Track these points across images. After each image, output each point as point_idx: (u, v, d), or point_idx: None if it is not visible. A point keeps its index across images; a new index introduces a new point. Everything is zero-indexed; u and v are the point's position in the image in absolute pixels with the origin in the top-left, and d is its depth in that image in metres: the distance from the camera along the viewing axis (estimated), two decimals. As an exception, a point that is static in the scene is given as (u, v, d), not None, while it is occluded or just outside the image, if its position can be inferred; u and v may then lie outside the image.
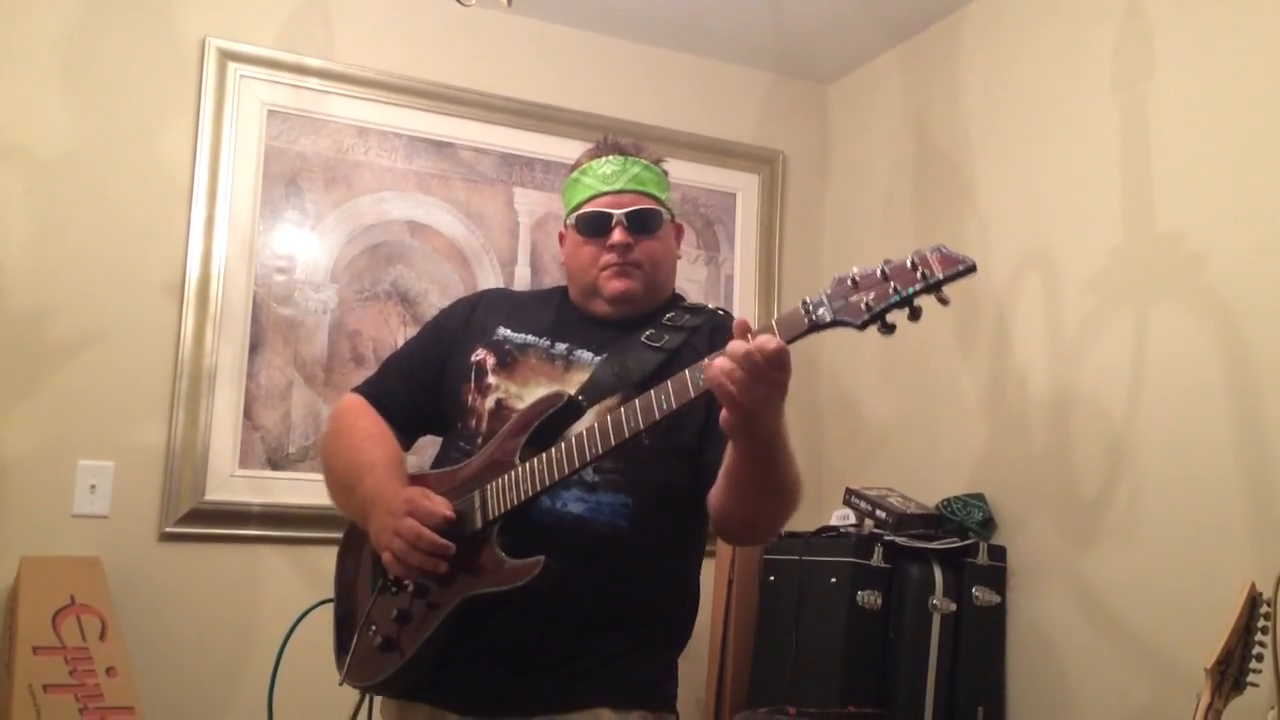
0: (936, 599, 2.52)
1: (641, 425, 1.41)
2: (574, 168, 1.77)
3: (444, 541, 1.50)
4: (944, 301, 1.25)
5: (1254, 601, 1.79)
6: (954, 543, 2.59)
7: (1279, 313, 2.14)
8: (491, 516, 1.52)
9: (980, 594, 2.57)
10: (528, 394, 1.63)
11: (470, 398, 1.69)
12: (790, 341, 1.30)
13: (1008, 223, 2.83)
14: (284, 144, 2.93)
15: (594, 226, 1.69)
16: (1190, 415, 2.28)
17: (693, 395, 1.37)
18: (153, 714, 2.38)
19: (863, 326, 1.27)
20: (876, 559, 2.54)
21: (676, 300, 1.77)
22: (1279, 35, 2.20)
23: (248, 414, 2.81)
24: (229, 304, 2.80)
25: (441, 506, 1.53)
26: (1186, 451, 2.28)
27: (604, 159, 1.71)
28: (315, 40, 2.98)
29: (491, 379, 1.68)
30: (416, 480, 1.65)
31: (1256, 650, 1.79)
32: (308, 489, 2.84)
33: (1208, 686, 1.78)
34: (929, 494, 2.80)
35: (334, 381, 2.90)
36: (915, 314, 1.26)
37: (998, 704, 2.59)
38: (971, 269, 1.24)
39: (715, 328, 1.68)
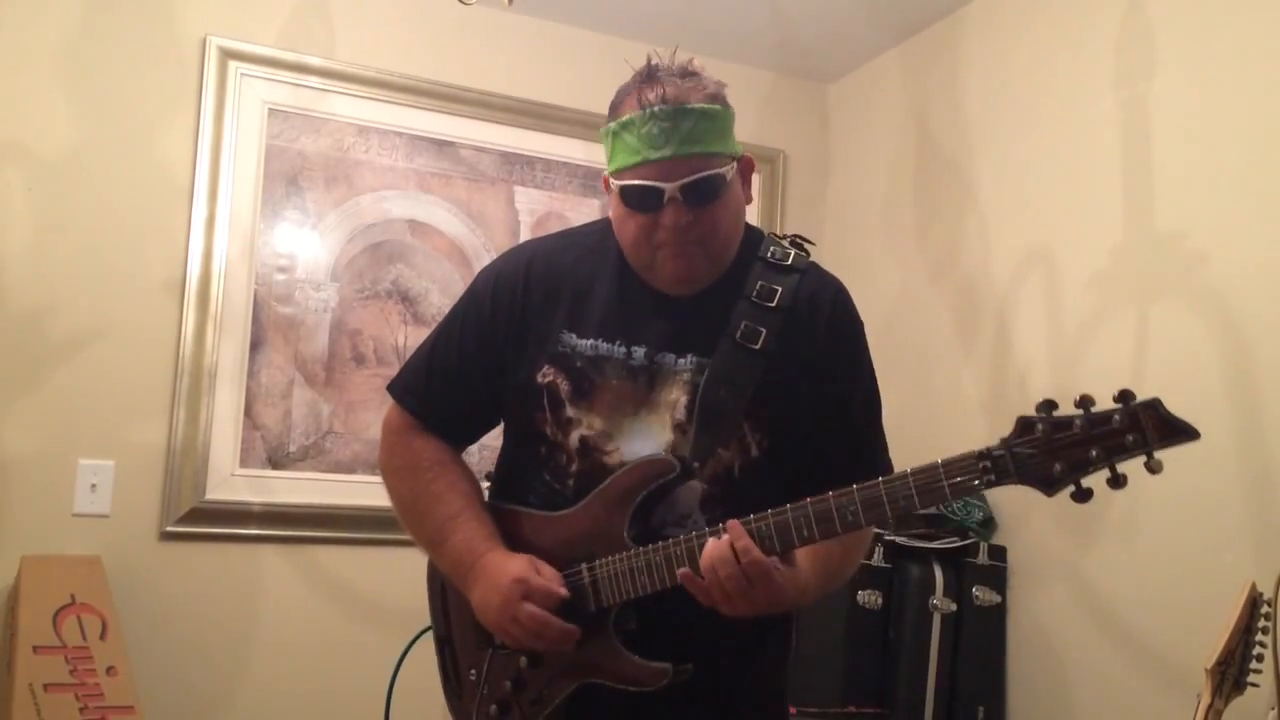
0: (937, 599, 2.52)
1: (779, 551, 1.33)
2: (613, 112, 1.49)
3: (571, 628, 1.41)
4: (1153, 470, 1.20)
5: (1254, 602, 1.80)
6: (954, 542, 2.59)
7: (1279, 313, 2.14)
8: (605, 604, 1.42)
9: (980, 594, 2.57)
10: (615, 431, 1.47)
11: (549, 430, 1.50)
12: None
13: (1008, 222, 2.83)
14: (285, 143, 2.92)
15: (642, 201, 1.42)
16: (1190, 415, 2.24)
17: (839, 531, 1.30)
18: (153, 713, 2.39)
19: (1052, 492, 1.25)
20: (877, 558, 2.54)
21: (753, 247, 1.52)
22: (1279, 35, 2.20)
23: (248, 413, 2.81)
24: (230, 303, 2.80)
25: (555, 584, 1.42)
26: (1187, 451, 2.27)
27: (648, 112, 1.42)
28: (316, 39, 2.98)
29: (570, 411, 1.48)
30: (506, 516, 1.53)
31: (1257, 650, 1.79)
32: (308, 488, 2.85)
33: (1208, 687, 1.78)
34: (929, 493, 2.79)
35: (334, 381, 2.90)
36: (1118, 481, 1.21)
37: (998, 704, 2.59)
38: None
39: (815, 307, 1.50)
